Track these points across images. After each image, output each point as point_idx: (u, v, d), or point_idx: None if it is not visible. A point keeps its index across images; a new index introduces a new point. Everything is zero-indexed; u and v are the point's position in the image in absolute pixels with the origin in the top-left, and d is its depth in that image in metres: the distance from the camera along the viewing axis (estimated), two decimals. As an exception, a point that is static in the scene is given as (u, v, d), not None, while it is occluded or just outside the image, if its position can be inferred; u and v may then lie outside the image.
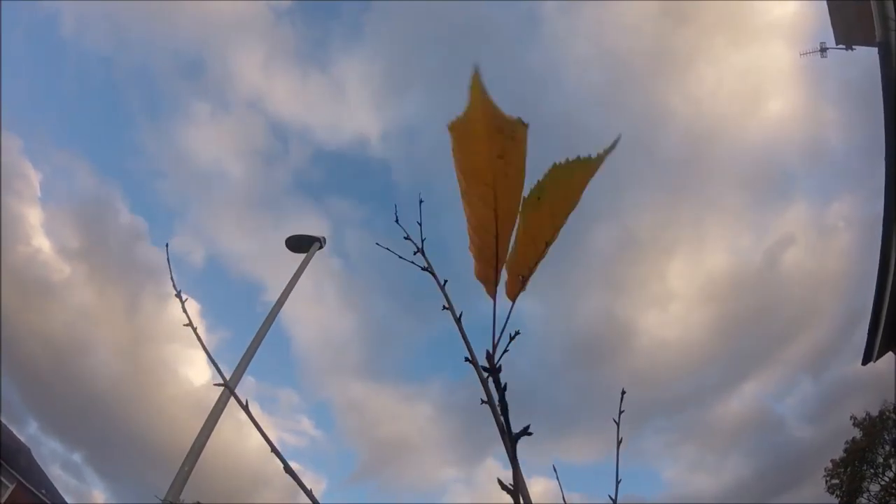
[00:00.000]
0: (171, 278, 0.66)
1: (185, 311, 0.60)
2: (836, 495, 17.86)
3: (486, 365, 0.46)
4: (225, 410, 4.99)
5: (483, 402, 0.45)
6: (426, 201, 0.70)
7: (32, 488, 19.11)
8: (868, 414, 17.78)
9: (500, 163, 0.44)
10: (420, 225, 0.67)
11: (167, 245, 0.75)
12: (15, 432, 20.85)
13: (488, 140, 0.43)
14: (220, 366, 0.58)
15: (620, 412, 0.62)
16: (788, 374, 39.08)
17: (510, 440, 0.44)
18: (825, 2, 8.09)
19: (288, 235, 6.85)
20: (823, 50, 10.00)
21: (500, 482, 0.43)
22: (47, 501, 19.55)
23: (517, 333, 0.51)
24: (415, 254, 0.68)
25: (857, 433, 18.11)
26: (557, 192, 0.47)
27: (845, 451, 18.07)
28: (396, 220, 0.68)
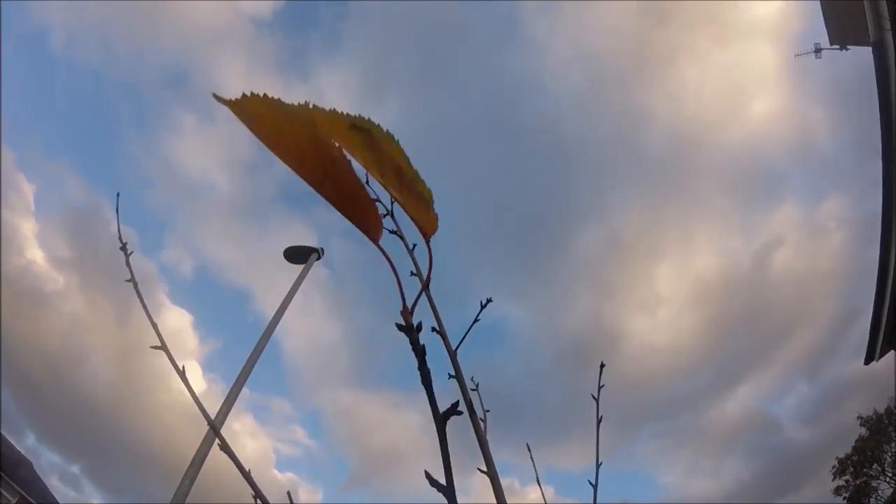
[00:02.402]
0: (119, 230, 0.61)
1: (128, 265, 0.57)
2: (843, 497, 17.70)
3: (404, 323, 0.39)
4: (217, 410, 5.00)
5: (451, 376, 0.42)
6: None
7: (34, 501, 18.98)
8: (875, 411, 17.66)
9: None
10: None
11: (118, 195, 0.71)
12: (15, 444, 20.74)
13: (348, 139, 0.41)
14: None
15: (600, 387, 0.60)
16: (783, 376, 38.88)
17: (437, 421, 0.36)
18: (813, 0, 8.12)
19: (284, 246, 6.84)
20: (818, 51, 10.01)
21: (427, 475, 0.36)
22: (48, 515, 19.40)
23: (489, 301, 0.48)
24: (384, 216, 0.61)
25: (857, 433, 18.01)
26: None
27: (853, 449, 17.94)
28: (367, 182, 0.65)
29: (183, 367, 0.51)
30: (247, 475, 0.48)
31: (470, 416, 0.40)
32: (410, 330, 0.38)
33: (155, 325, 0.52)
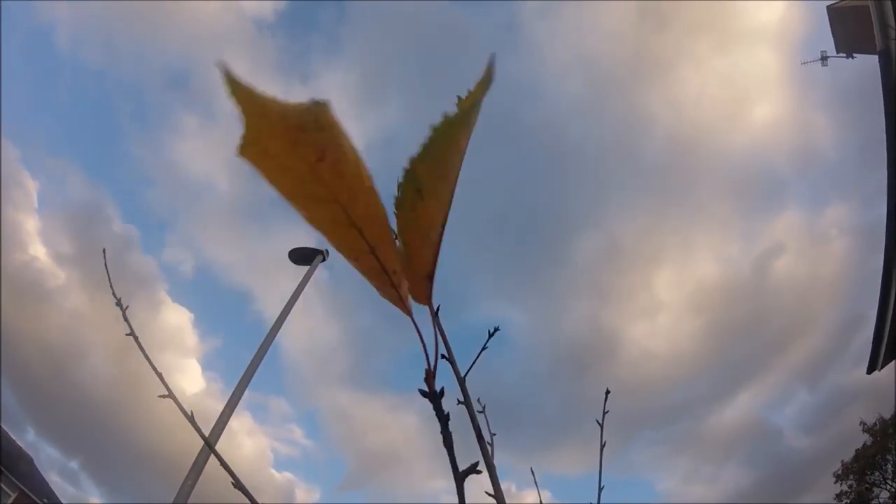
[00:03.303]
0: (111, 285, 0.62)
1: (125, 319, 0.58)
2: (845, 503, 17.66)
3: (426, 389, 0.39)
4: (218, 417, 5.04)
5: (459, 402, 0.43)
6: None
7: (34, 496, 19.03)
8: (881, 416, 17.58)
9: (324, 166, 0.33)
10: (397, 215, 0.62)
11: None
12: (15, 439, 20.82)
13: (294, 148, 0.32)
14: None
15: (605, 413, 0.60)
16: (783, 384, 38.72)
17: (456, 479, 0.38)
18: (811, 3, 8.11)
19: (285, 247, 6.83)
20: (824, 59, 9.99)
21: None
22: (48, 511, 19.45)
23: (496, 330, 0.50)
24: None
25: (858, 442, 17.94)
26: (434, 173, 0.37)
27: (855, 457, 17.88)
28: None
29: (192, 412, 0.52)
30: (243, 487, 0.49)
31: (478, 440, 0.41)
32: (434, 397, 0.38)
33: (160, 375, 0.53)
